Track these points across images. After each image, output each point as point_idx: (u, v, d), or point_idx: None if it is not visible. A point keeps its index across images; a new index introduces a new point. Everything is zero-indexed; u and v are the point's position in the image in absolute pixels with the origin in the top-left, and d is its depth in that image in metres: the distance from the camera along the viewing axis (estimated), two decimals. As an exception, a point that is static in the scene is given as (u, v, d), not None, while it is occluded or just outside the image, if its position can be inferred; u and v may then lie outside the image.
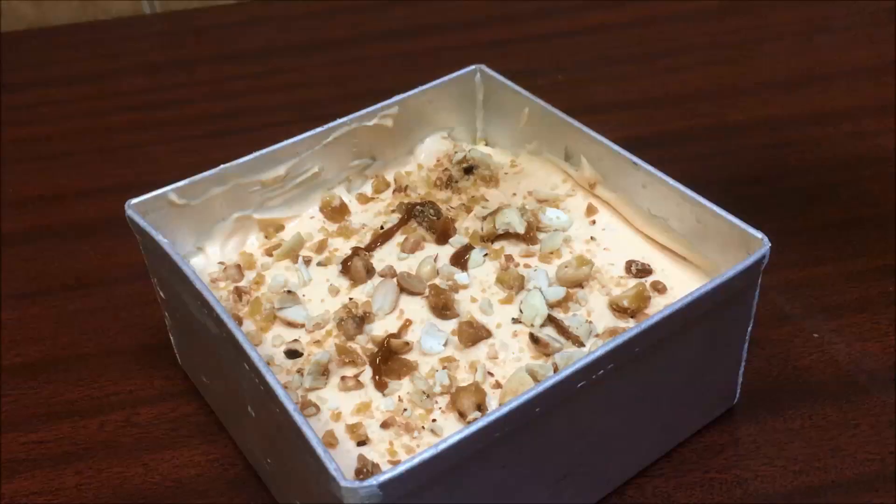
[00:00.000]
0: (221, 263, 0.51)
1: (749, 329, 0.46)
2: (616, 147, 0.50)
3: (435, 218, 0.52)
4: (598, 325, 0.46)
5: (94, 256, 0.62)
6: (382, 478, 0.34)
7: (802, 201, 0.62)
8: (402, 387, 0.44)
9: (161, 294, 0.49)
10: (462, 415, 0.42)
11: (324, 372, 0.44)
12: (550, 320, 0.46)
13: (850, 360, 0.51)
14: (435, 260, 0.50)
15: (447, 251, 0.51)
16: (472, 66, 0.57)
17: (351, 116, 0.53)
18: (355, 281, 0.49)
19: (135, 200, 0.48)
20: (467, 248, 0.51)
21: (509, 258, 0.50)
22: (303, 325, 0.47)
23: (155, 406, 0.51)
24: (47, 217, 0.66)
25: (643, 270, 0.49)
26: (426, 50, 0.82)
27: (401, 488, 0.35)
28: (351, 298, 0.48)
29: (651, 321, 0.40)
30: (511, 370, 0.44)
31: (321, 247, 0.52)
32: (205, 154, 0.70)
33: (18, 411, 0.52)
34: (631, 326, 0.41)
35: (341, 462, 0.39)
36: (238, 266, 0.51)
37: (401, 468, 0.34)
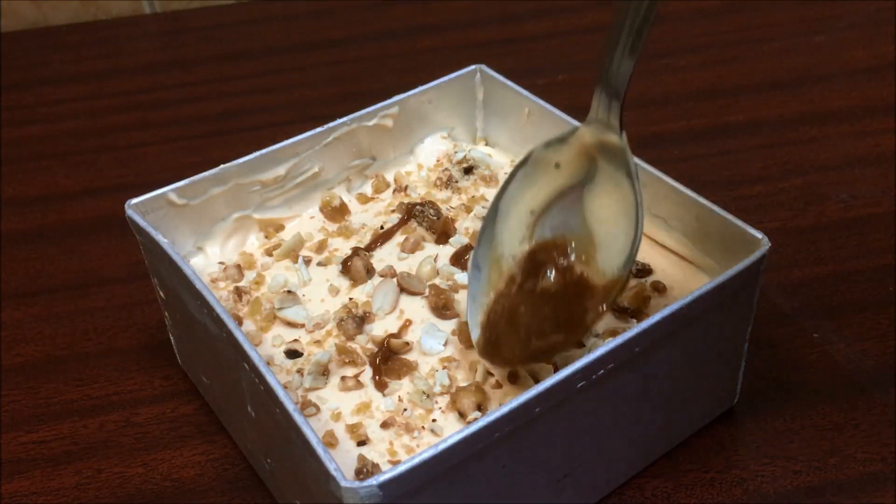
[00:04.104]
0: (221, 263, 0.51)
1: (749, 329, 0.46)
2: (616, 147, 0.50)
3: (435, 218, 0.52)
4: (598, 325, 0.46)
5: (94, 256, 0.62)
6: (382, 478, 0.34)
7: (802, 201, 0.62)
8: (402, 387, 0.44)
9: (161, 294, 0.49)
10: (462, 415, 0.42)
11: (324, 372, 0.44)
12: (550, 320, 0.46)
13: (850, 360, 0.51)
14: (435, 260, 0.50)
15: (447, 251, 0.51)
16: (472, 66, 0.57)
17: (351, 116, 0.53)
18: (355, 281, 0.49)
19: (135, 200, 0.48)
20: (467, 248, 0.51)
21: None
22: (303, 325, 0.47)
23: (155, 406, 0.51)
24: (47, 217, 0.66)
25: (643, 270, 0.49)
26: (426, 50, 0.82)
27: (401, 488, 0.35)
28: (351, 298, 0.48)
29: (651, 321, 0.40)
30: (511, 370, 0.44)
31: (321, 247, 0.52)
32: (205, 154, 0.70)
33: (18, 411, 0.52)
34: (631, 326, 0.41)
35: (341, 462, 0.39)
36: (238, 266, 0.51)
37: (401, 468, 0.34)
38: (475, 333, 0.43)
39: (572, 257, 0.42)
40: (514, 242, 0.43)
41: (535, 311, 0.42)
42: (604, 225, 0.42)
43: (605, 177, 0.42)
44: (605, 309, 0.41)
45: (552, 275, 0.42)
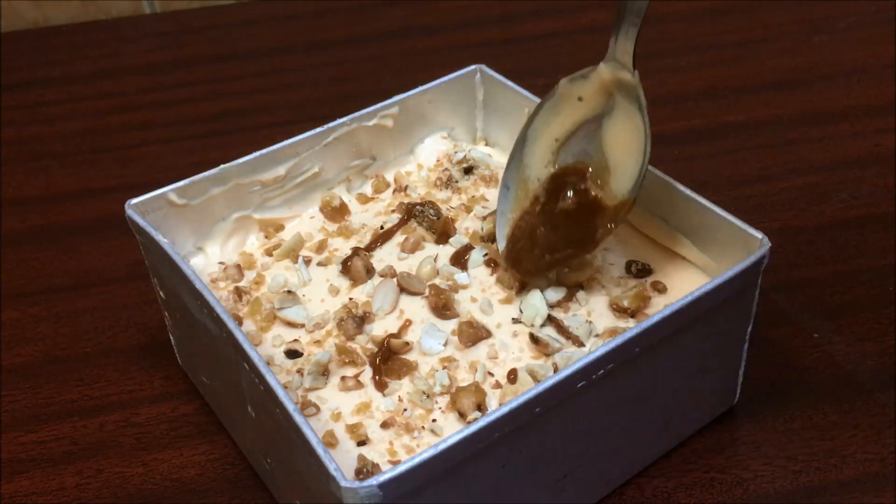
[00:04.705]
0: (221, 263, 0.51)
1: (749, 329, 0.46)
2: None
3: (435, 218, 0.52)
4: (598, 325, 0.46)
5: (94, 256, 0.62)
6: (382, 478, 0.34)
7: (802, 201, 0.62)
8: (402, 387, 0.44)
9: (161, 294, 0.49)
10: (462, 415, 0.42)
11: (324, 372, 0.44)
12: (550, 320, 0.46)
13: (850, 360, 0.51)
14: (435, 260, 0.50)
15: (447, 251, 0.51)
16: (472, 66, 0.57)
17: (351, 116, 0.53)
18: (355, 281, 0.49)
19: (135, 200, 0.48)
20: (467, 248, 0.51)
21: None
22: (303, 325, 0.47)
23: (154, 406, 0.51)
24: (47, 217, 0.66)
25: (643, 270, 0.49)
26: (426, 50, 0.82)
27: (401, 488, 0.35)
28: (351, 298, 0.48)
29: (651, 321, 0.40)
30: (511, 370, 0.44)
31: (321, 247, 0.52)
32: (205, 154, 0.70)
33: (18, 411, 0.52)
34: (631, 326, 0.41)
35: (341, 462, 0.39)
36: (238, 266, 0.51)
37: (401, 468, 0.34)
38: (502, 245, 0.48)
39: (589, 181, 0.47)
40: (539, 166, 0.48)
41: (553, 230, 0.47)
42: (618, 153, 0.47)
43: (621, 110, 0.47)
44: (613, 226, 0.46)
45: (571, 195, 0.47)
